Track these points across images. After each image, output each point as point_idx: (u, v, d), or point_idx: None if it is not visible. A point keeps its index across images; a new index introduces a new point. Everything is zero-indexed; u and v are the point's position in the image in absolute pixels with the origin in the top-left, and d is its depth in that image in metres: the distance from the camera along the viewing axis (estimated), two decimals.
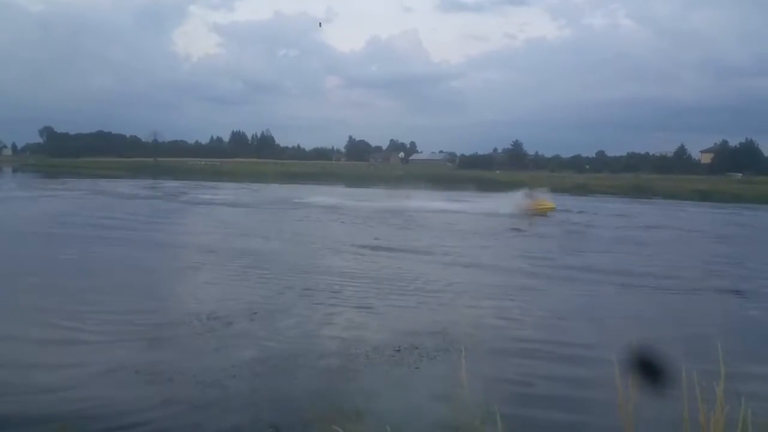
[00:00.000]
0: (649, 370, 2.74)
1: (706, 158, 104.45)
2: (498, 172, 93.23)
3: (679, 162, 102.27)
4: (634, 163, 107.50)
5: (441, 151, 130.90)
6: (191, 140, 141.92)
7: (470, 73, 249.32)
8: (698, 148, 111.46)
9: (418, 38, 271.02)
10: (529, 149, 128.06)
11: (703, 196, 57.57)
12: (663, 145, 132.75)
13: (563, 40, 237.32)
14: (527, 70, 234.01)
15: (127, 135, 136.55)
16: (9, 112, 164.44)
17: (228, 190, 46.30)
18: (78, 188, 43.82)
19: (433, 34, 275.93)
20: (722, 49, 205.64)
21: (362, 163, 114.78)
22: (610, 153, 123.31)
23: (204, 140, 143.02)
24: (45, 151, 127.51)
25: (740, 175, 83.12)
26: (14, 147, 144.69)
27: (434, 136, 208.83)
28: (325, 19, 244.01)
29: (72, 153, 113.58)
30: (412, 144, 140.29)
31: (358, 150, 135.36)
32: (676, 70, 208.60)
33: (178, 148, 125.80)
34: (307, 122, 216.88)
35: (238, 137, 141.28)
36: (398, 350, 7.67)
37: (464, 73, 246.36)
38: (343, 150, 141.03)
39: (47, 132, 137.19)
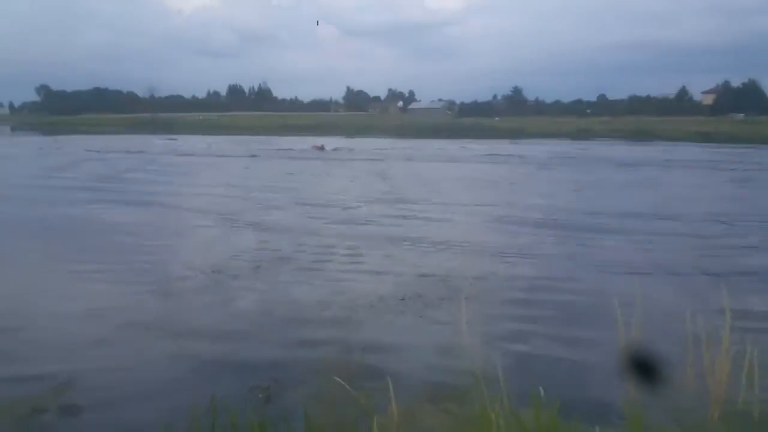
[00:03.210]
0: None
1: (708, 99, 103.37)
2: (497, 119, 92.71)
3: (681, 104, 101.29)
4: (636, 106, 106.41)
5: (440, 100, 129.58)
6: (188, 95, 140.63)
7: (468, 18, 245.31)
8: (700, 89, 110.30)
9: None
10: (530, 95, 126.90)
11: (704, 138, 57.54)
12: (664, 88, 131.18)
13: None
14: (526, 14, 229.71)
15: (124, 91, 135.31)
16: (4, 71, 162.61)
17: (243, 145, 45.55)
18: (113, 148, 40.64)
19: None
20: None
21: (361, 113, 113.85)
22: (612, 96, 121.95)
23: (201, 95, 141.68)
24: (43, 109, 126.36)
25: (742, 115, 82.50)
26: (11, 106, 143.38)
27: (433, 85, 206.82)
28: None
29: (70, 110, 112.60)
30: (411, 93, 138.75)
31: (356, 100, 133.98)
32: (677, 11, 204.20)
33: (176, 103, 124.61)
34: (305, 74, 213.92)
35: (235, 91, 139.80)
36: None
37: (462, 19, 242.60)
38: (341, 101, 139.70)
39: (44, 90, 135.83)
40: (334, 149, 38.62)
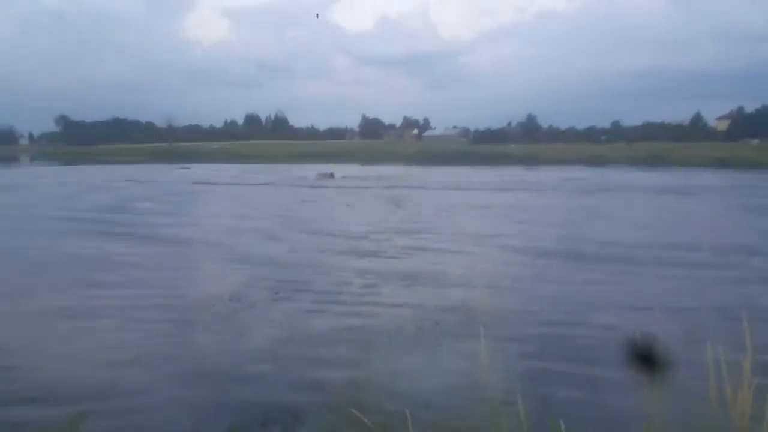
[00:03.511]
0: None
1: (723, 125, 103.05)
2: (512, 146, 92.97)
3: (695, 130, 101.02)
4: (650, 132, 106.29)
5: (455, 127, 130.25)
6: (206, 124, 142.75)
7: (481, 47, 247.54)
8: (714, 115, 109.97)
9: (427, 15, 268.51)
10: (544, 122, 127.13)
11: (719, 164, 57.31)
12: (679, 114, 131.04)
13: (574, 10, 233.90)
14: (539, 42, 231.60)
15: (143, 121, 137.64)
16: (25, 102, 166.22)
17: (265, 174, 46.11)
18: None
19: (443, 10, 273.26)
20: (736, 15, 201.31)
21: (376, 141, 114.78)
22: (626, 123, 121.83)
23: (218, 124, 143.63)
24: (62, 139, 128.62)
25: (757, 141, 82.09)
26: (31, 136, 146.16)
27: (448, 112, 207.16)
28: None
29: (89, 141, 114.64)
30: (426, 120, 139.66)
31: (371, 128, 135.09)
32: (690, 38, 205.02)
33: (193, 133, 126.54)
34: (320, 102, 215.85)
35: (252, 120, 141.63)
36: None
37: (475, 48, 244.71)
38: (356, 129, 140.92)
39: (63, 121, 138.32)
40: (343, 177, 37.65)
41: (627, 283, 10.03)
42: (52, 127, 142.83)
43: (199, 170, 48.92)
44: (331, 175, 37.83)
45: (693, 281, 10.03)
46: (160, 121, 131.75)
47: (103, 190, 30.52)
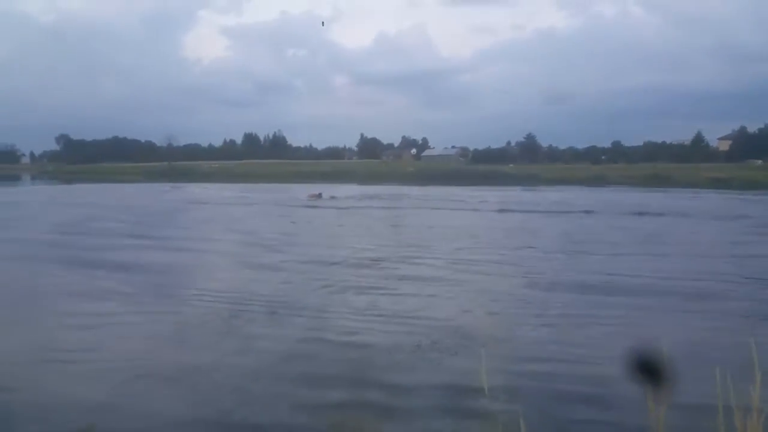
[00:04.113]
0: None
1: (724, 145, 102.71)
2: (511, 165, 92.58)
3: (697, 150, 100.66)
4: (651, 152, 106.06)
5: (453, 146, 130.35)
6: (205, 143, 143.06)
7: (480, 66, 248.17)
8: (716, 135, 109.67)
9: (425, 33, 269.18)
10: (543, 141, 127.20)
11: (722, 184, 56.70)
12: (680, 134, 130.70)
13: (573, 29, 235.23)
14: (538, 61, 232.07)
15: (142, 140, 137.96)
16: (25, 121, 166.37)
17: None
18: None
19: (441, 28, 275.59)
20: (737, 35, 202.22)
21: (374, 160, 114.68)
22: (627, 143, 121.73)
23: (217, 143, 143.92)
24: (62, 158, 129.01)
25: (760, 161, 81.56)
26: (32, 155, 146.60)
27: (447, 132, 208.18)
28: (331, 17, 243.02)
29: (89, 159, 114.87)
30: (425, 140, 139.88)
31: (370, 148, 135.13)
32: (690, 57, 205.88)
33: (192, 152, 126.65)
34: (319, 121, 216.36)
35: (250, 139, 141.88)
36: None
37: (474, 67, 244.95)
38: (355, 148, 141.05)
39: (64, 139, 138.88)
40: (331, 197, 37.63)
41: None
42: (53, 146, 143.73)
43: (196, 189, 48.68)
44: (319, 196, 37.85)
45: None
46: (159, 140, 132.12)
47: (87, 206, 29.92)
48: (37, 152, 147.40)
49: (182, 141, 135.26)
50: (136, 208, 30.35)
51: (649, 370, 2.41)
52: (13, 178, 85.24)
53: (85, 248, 16.16)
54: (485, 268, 13.49)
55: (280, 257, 14.72)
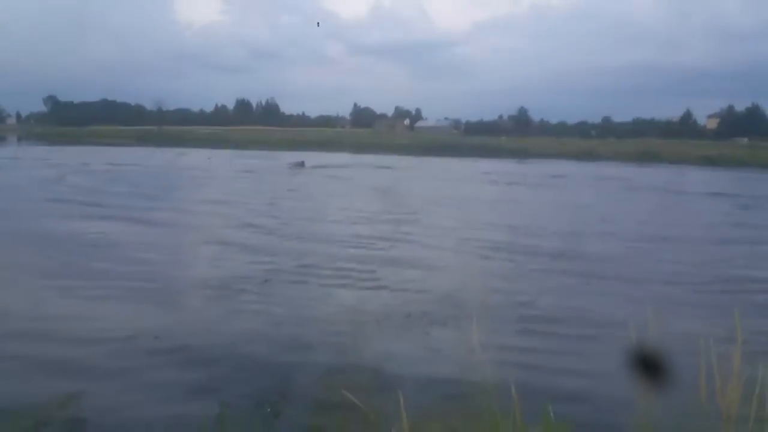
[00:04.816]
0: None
1: (712, 123, 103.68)
2: (503, 138, 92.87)
3: (685, 127, 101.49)
4: (640, 128, 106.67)
5: (446, 118, 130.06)
6: (196, 108, 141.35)
7: (475, 39, 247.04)
8: (705, 113, 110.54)
9: (421, 4, 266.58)
10: (535, 115, 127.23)
11: (709, 162, 57.50)
12: (669, 111, 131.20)
13: (569, 4, 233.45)
14: (532, 35, 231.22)
15: (132, 103, 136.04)
16: (12, 82, 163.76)
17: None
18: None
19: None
20: (728, 14, 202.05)
21: (367, 130, 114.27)
22: (616, 119, 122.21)
23: (209, 108, 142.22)
24: (50, 120, 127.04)
25: (746, 140, 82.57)
26: (18, 116, 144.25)
27: (440, 103, 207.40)
28: None
29: (77, 122, 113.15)
30: (418, 111, 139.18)
31: (363, 117, 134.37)
32: (681, 36, 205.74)
33: (183, 116, 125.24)
34: (312, 90, 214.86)
35: (242, 105, 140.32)
36: None
37: (469, 40, 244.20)
38: (348, 117, 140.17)
39: (51, 101, 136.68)
40: (314, 167, 38.15)
41: None
42: (40, 107, 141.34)
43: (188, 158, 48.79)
44: (302, 164, 38.41)
45: None
46: (150, 104, 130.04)
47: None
48: (24, 113, 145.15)
49: (173, 105, 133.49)
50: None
51: (645, 364, 2.41)
52: None
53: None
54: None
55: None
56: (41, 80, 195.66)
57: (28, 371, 5.62)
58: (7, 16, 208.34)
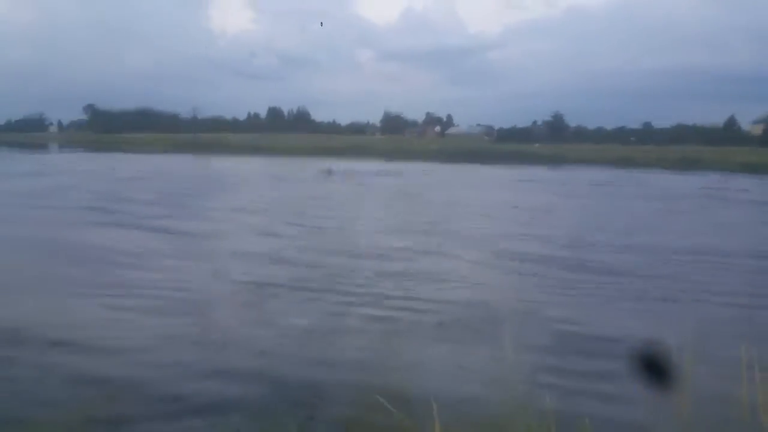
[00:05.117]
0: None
1: (757, 129, 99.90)
2: (537, 145, 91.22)
3: (729, 133, 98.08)
4: (682, 134, 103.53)
5: (478, 125, 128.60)
6: (229, 116, 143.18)
7: (508, 43, 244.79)
8: (749, 118, 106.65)
9: (453, 8, 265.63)
10: (571, 121, 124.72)
11: (752, 169, 55.17)
12: (712, 116, 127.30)
13: (606, 6, 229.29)
14: (568, 39, 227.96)
15: (168, 111, 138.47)
16: (55, 91, 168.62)
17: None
18: None
19: (470, 3, 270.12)
20: None
21: (397, 137, 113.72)
22: (657, 124, 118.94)
23: (241, 116, 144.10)
24: (89, 127, 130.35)
25: None
26: (60, 124, 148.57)
27: (472, 109, 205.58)
28: None
29: (115, 129, 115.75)
30: (449, 117, 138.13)
31: (393, 124, 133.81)
32: (725, 37, 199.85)
33: (217, 124, 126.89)
34: (342, 97, 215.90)
35: (274, 113, 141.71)
36: None
37: (502, 44, 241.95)
38: (378, 124, 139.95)
39: (91, 109, 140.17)
40: (344, 172, 38.44)
41: None
42: (80, 115, 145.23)
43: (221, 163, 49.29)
44: (329, 171, 38.31)
45: None
46: (185, 112, 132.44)
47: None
48: (65, 121, 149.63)
49: (207, 113, 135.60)
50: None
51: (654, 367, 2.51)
52: (39, 147, 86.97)
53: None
54: None
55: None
56: (82, 89, 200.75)
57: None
58: (51, 29, 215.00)
